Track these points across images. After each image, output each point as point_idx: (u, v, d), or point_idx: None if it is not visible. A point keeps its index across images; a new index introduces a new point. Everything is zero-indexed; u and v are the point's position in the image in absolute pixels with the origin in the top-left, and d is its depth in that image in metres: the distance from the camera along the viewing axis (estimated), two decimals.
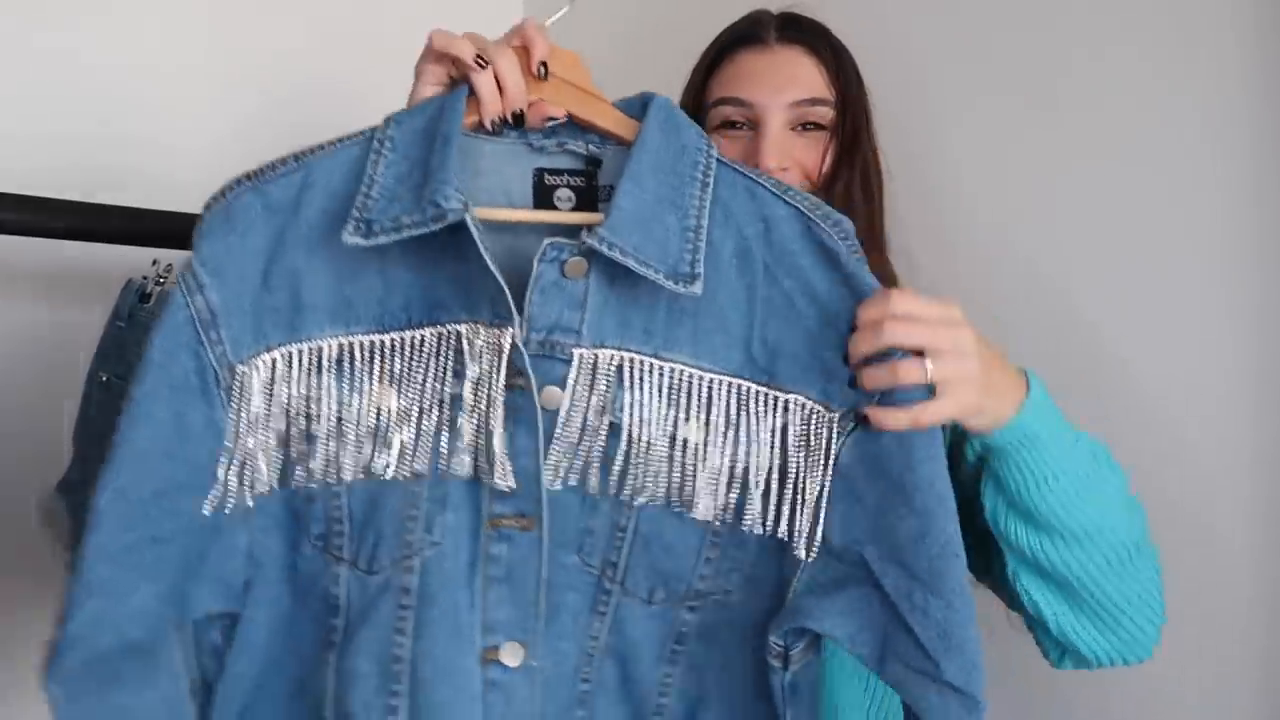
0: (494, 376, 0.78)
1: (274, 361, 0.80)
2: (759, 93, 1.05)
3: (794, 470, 0.81)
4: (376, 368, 0.81)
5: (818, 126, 1.05)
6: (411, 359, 0.80)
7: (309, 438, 0.81)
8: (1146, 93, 1.16)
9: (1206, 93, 1.11)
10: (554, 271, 0.79)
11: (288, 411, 0.81)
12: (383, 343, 0.81)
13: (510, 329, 0.77)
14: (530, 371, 0.77)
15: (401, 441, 0.80)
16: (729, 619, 0.85)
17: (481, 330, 0.78)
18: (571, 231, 0.80)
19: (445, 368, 0.80)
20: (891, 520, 0.78)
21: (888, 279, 1.04)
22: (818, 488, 0.80)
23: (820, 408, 0.81)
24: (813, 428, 0.80)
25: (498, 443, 0.78)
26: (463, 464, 0.80)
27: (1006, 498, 0.85)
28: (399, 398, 0.80)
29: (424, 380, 0.80)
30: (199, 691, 0.83)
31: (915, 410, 0.76)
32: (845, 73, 1.07)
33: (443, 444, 0.80)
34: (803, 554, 0.80)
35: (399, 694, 0.79)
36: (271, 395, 0.80)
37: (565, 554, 0.83)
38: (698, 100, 1.09)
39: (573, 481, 0.80)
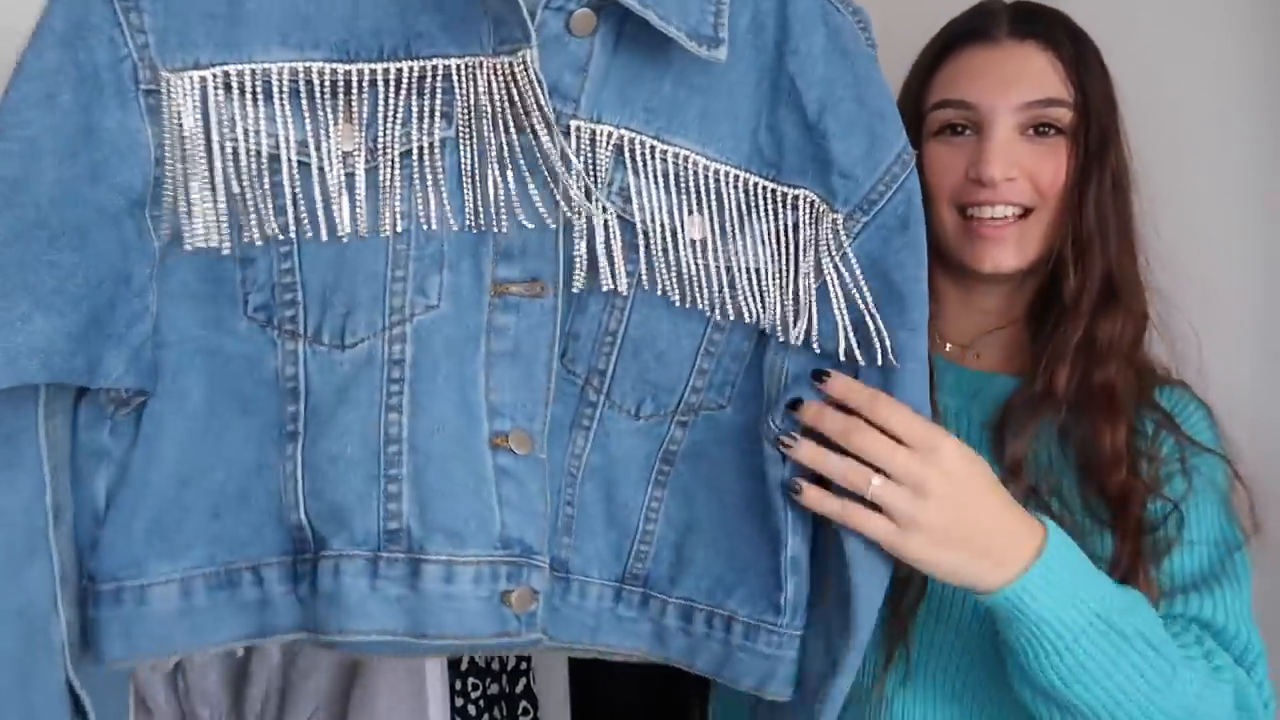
0: (505, 112, 0.67)
1: (204, 83, 0.66)
2: (983, 93, 0.93)
3: (802, 270, 0.76)
4: (341, 105, 0.68)
5: (1054, 130, 0.93)
6: (388, 98, 0.68)
7: (255, 184, 0.67)
8: None
9: None
10: (558, 23, 0.69)
11: (224, 150, 0.67)
12: (349, 74, 0.68)
13: (527, 51, 0.66)
14: (546, 105, 0.66)
15: (371, 191, 0.68)
16: (720, 436, 0.80)
17: (485, 62, 0.68)
18: None
19: (431, 109, 0.68)
20: (884, 318, 0.76)
21: (1137, 306, 0.95)
22: (814, 286, 0.77)
23: (823, 205, 0.77)
24: (821, 227, 0.76)
25: (512, 183, 0.68)
26: (463, 214, 0.69)
27: (1013, 661, 0.80)
28: (370, 140, 0.68)
29: (403, 123, 0.68)
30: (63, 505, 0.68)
31: (850, 507, 0.75)
32: (1087, 68, 0.94)
33: (425, 194, 0.69)
34: (842, 355, 0.76)
35: (398, 479, 0.69)
36: (206, 125, 0.66)
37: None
38: (917, 104, 0.97)
39: (579, 278, 0.72)
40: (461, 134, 0.69)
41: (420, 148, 0.69)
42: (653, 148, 0.73)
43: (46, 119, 0.64)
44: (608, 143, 0.72)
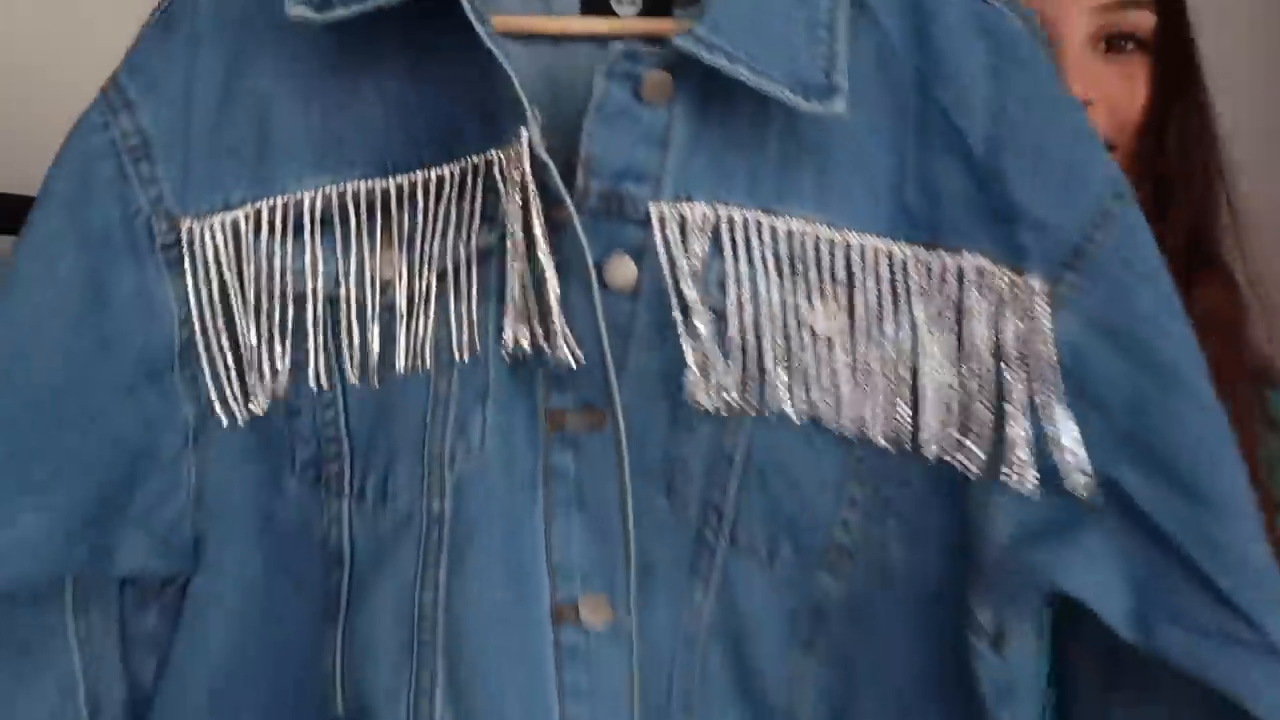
0: (531, 210, 0.55)
1: (236, 225, 0.58)
2: None
3: (985, 368, 0.57)
4: (379, 225, 0.58)
5: (1134, 43, 0.77)
6: (427, 207, 0.57)
7: (290, 329, 0.59)
8: None
9: None
10: (625, 92, 0.56)
11: (259, 293, 0.58)
12: (386, 190, 0.58)
13: (525, 131, 0.54)
14: (563, 189, 0.55)
15: (421, 320, 0.57)
16: (888, 586, 0.60)
17: (512, 153, 0.56)
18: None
19: (473, 213, 0.57)
20: (1158, 421, 0.56)
21: (1225, 296, 0.76)
22: (1027, 392, 0.57)
23: (1008, 272, 0.57)
24: (1008, 300, 0.57)
25: (552, 296, 0.55)
26: (517, 334, 0.57)
27: None
28: (410, 260, 0.58)
29: (445, 234, 0.57)
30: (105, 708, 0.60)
31: None
32: None
33: (471, 315, 0.57)
34: (1028, 487, 0.56)
35: (431, 670, 0.57)
36: (239, 271, 0.58)
37: (652, 492, 0.59)
38: None
39: (657, 390, 0.58)
40: (509, 237, 0.57)
41: (462, 261, 0.58)
42: (759, 225, 0.57)
43: (43, 294, 0.57)
44: (703, 225, 0.57)
